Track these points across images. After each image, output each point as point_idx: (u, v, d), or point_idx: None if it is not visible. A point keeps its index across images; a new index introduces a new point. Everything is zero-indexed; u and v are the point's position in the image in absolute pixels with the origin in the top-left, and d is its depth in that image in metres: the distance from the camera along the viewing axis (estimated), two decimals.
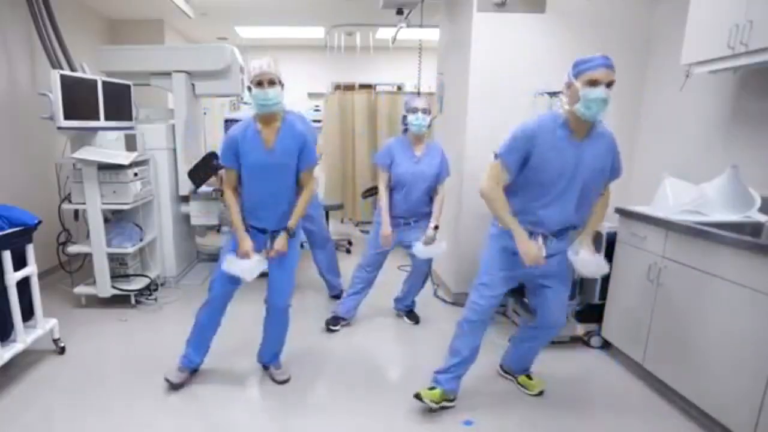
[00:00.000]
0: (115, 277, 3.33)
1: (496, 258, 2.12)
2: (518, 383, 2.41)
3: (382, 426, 2.15)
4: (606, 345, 2.78)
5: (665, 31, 3.07)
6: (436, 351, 2.81)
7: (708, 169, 2.58)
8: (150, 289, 3.44)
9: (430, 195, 2.94)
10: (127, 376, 2.50)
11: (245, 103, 4.94)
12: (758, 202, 2.31)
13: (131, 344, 2.87)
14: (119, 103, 3.40)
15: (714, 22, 2.26)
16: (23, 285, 2.44)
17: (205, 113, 4.90)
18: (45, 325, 2.60)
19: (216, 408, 2.26)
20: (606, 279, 2.67)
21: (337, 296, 3.57)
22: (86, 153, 3.03)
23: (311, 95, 6.73)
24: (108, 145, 3.17)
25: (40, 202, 3.44)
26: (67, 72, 3.23)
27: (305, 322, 3.18)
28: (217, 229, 4.13)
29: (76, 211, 3.40)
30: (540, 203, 1.98)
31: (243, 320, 2.82)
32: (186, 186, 3.68)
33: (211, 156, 3.35)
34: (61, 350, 2.68)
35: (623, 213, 2.55)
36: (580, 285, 2.78)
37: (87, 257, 3.38)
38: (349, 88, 6.03)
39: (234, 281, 2.30)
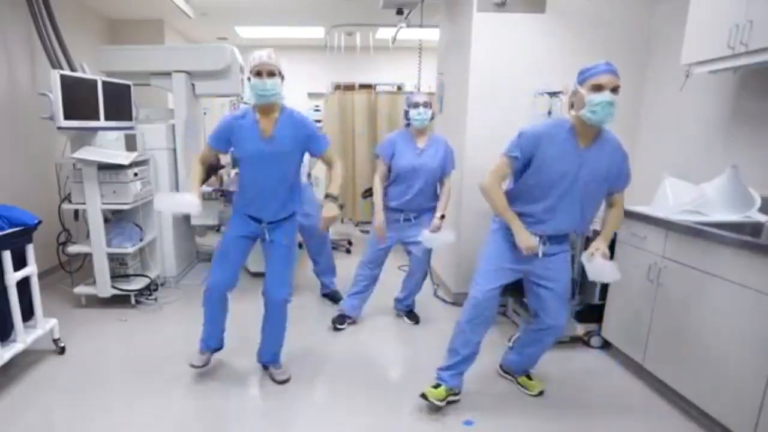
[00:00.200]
0: (115, 277, 3.33)
1: (495, 252, 2.13)
2: (518, 383, 2.41)
3: (383, 426, 2.15)
4: (606, 345, 2.78)
5: (665, 31, 3.07)
6: (436, 351, 2.81)
7: (708, 169, 2.58)
8: (150, 289, 3.44)
9: (433, 190, 2.94)
10: (127, 376, 2.50)
11: (245, 103, 4.94)
12: (758, 202, 2.31)
13: (131, 344, 2.87)
14: (119, 103, 3.40)
15: (714, 22, 2.26)
16: (23, 285, 2.44)
17: (205, 113, 4.90)
18: (45, 325, 2.60)
19: (216, 408, 2.26)
20: None
21: (326, 295, 3.58)
22: (86, 153, 3.03)
23: (311, 95, 6.73)
24: (108, 145, 3.17)
25: (40, 202, 3.44)
26: (67, 72, 3.23)
27: (305, 322, 3.18)
28: (216, 229, 4.13)
29: (76, 211, 3.40)
30: (541, 207, 2.00)
31: (243, 320, 2.82)
32: (186, 186, 3.68)
33: None
34: (61, 350, 2.68)
35: (623, 213, 2.55)
36: (581, 285, 2.78)
37: (87, 257, 3.38)
38: (349, 88, 6.03)
39: (227, 277, 2.32)
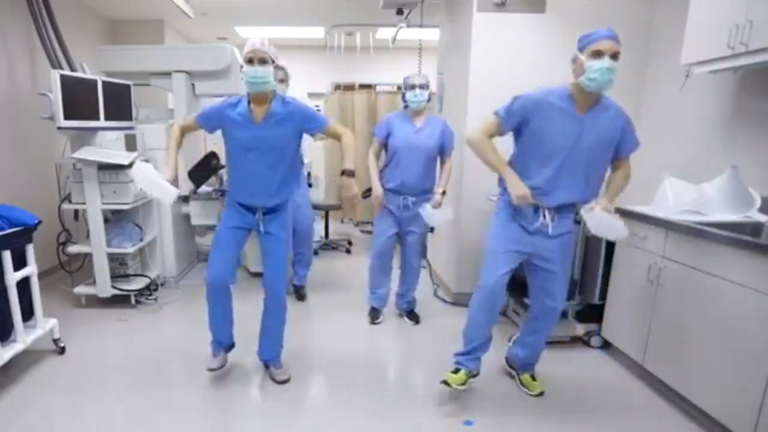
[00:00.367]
0: (115, 277, 3.33)
1: (501, 233, 2.12)
2: (520, 382, 2.41)
3: (383, 426, 2.15)
4: (606, 345, 2.78)
5: (665, 31, 3.07)
6: (437, 351, 2.82)
7: (708, 169, 2.58)
8: (150, 289, 3.44)
9: (430, 170, 2.95)
10: (127, 376, 2.50)
11: None
12: (758, 202, 2.31)
13: (131, 344, 2.87)
14: (119, 103, 3.40)
15: (714, 22, 2.26)
16: (23, 285, 2.44)
17: None
18: (45, 325, 2.60)
19: (216, 408, 2.26)
20: (606, 279, 2.67)
21: (294, 288, 3.58)
22: (86, 153, 3.03)
23: (311, 95, 6.72)
24: (108, 145, 3.17)
25: (40, 202, 3.44)
26: (67, 72, 3.23)
27: (305, 321, 3.18)
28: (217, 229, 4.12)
29: (76, 211, 3.40)
30: (544, 177, 1.99)
31: (243, 320, 2.81)
32: (186, 186, 3.68)
33: (211, 156, 3.35)
34: (61, 350, 2.68)
35: (623, 213, 2.54)
36: (581, 285, 2.78)
37: (87, 257, 3.38)
38: (349, 88, 6.03)
39: (226, 270, 2.31)
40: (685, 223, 2.16)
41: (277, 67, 3.20)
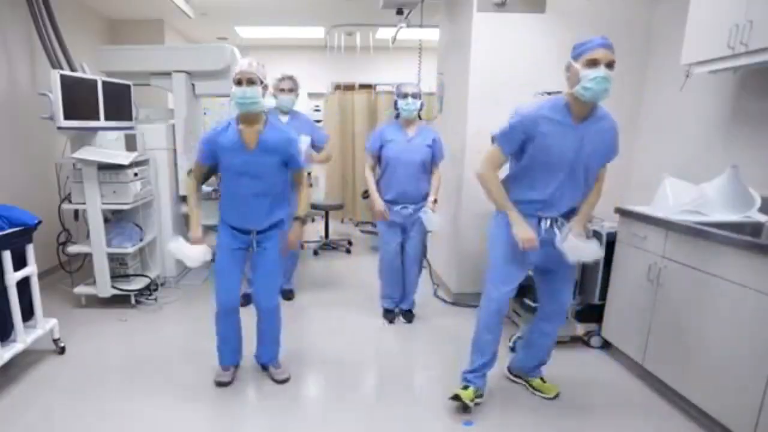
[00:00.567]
0: (115, 277, 3.33)
1: (506, 249, 2.08)
2: (532, 387, 2.38)
3: (382, 426, 2.15)
4: (606, 345, 2.78)
5: (665, 31, 3.07)
6: (436, 351, 2.82)
7: (708, 169, 2.58)
8: (150, 289, 3.44)
9: (425, 178, 2.98)
10: (127, 376, 2.50)
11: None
12: (758, 202, 2.31)
13: (131, 344, 2.87)
14: (119, 103, 3.40)
15: (714, 22, 2.26)
16: (23, 285, 2.45)
17: (205, 113, 4.90)
18: (45, 325, 2.60)
19: (216, 408, 2.26)
20: (606, 279, 2.67)
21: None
22: (86, 153, 3.03)
23: (311, 95, 6.73)
24: (108, 145, 3.17)
25: (40, 202, 3.44)
26: (67, 72, 3.23)
27: (305, 321, 3.18)
28: (216, 229, 4.12)
29: (76, 211, 3.40)
30: (549, 191, 1.98)
31: (242, 319, 2.82)
32: (186, 186, 3.67)
33: None
34: (61, 350, 2.68)
35: (623, 213, 2.55)
36: (581, 285, 2.78)
37: (87, 257, 3.38)
38: (349, 88, 6.02)
39: (234, 294, 2.33)
40: (685, 223, 2.16)
41: (287, 78, 3.23)
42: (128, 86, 3.50)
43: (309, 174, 3.92)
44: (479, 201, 3.22)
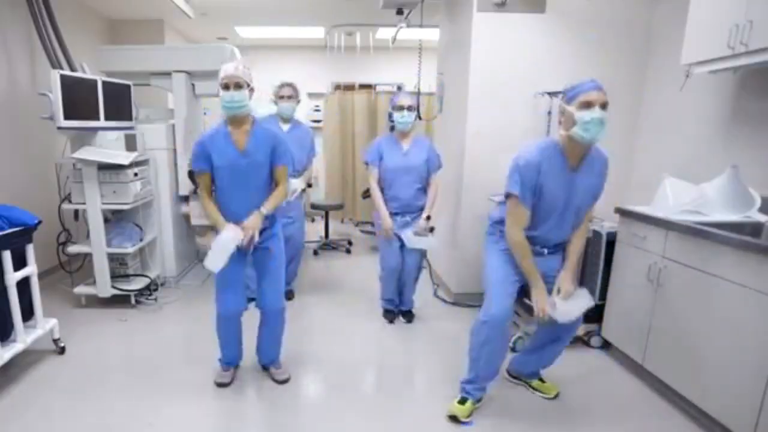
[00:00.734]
0: (115, 277, 3.33)
1: (501, 264, 2.10)
2: (532, 388, 2.38)
3: (383, 426, 2.15)
4: (606, 345, 2.78)
5: (665, 31, 3.07)
6: (436, 351, 2.82)
7: (708, 169, 2.58)
8: (150, 289, 3.44)
9: (423, 188, 2.99)
10: (127, 376, 2.50)
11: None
12: (758, 202, 2.31)
13: (131, 344, 2.87)
14: (119, 103, 3.40)
15: (714, 22, 2.26)
16: (23, 285, 2.45)
17: (205, 113, 4.90)
18: (45, 325, 2.60)
19: (216, 407, 2.26)
20: (606, 279, 2.67)
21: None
22: (86, 153, 3.03)
23: (311, 95, 6.72)
24: (108, 145, 3.17)
25: (40, 202, 3.44)
26: (67, 72, 3.23)
27: (305, 322, 3.18)
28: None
29: (76, 211, 3.40)
30: (542, 230, 2.02)
31: (242, 319, 2.82)
32: (186, 186, 3.68)
33: None
34: (61, 350, 2.68)
35: (623, 213, 2.55)
36: (581, 285, 2.77)
37: (87, 257, 3.38)
38: (349, 88, 6.03)
39: (239, 297, 2.34)
40: (685, 223, 2.16)
41: (287, 85, 3.23)
42: (128, 86, 3.50)
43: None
44: (479, 201, 3.24)
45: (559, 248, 2.14)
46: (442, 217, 3.77)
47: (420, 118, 4.45)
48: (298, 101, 3.28)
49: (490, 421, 2.16)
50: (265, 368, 2.53)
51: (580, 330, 2.82)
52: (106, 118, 3.23)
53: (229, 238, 2.14)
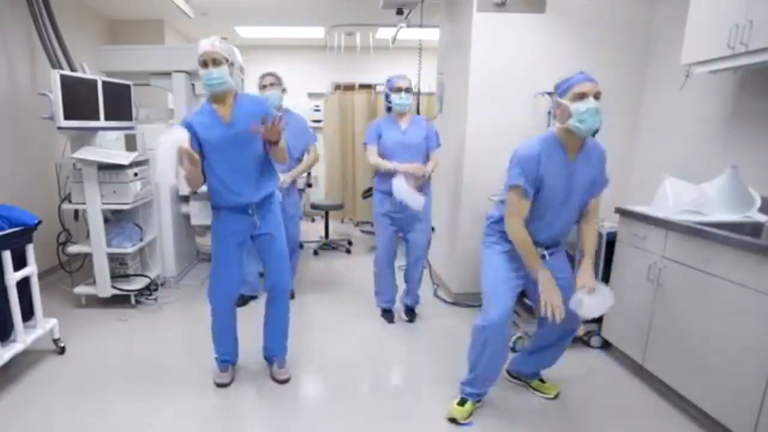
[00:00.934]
0: (115, 277, 3.33)
1: (500, 266, 2.07)
2: (532, 388, 2.38)
3: (383, 425, 2.15)
4: (606, 345, 2.78)
5: (665, 31, 3.07)
6: (436, 351, 2.82)
7: (708, 169, 2.58)
8: (150, 289, 3.45)
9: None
10: (127, 376, 2.50)
11: None
12: (758, 202, 2.31)
13: (131, 344, 2.87)
14: (119, 103, 3.40)
15: (714, 22, 2.26)
16: (23, 285, 2.45)
17: None
18: (45, 325, 2.60)
19: (216, 407, 2.26)
20: (606, 279, 2.67)
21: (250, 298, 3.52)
22: (86, 153, 3.03)
23: (311, 95, 6.73)
24: (108, 145, 3.17)
25: (40, 202, 3.44)
26: (67, 72, 3.23)
27: (305, 322, 3.18)
28: None
29: (76, 211, 3.41)
30: (542, 223, 2.01)
31: (243, 320, 2.81)
32: (186, 186, 3.67)
33: None
34: (61, 350, 2.68)
35: (623, 213, 2.55)
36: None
37: (87, 257, 3.38)
38: (349, 88, 6.02)
39: (233, 287, 2.32)
40: (685, 223, 2.16)
41: (268, 74, 3.21)
42: (128, 86, 3.50)
43: (309, 174, 3.91)
44: (479, 201, 3.24)
45: (559, 247, 2.13)
46: (442, 217, 3.77)
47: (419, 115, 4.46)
48: (284, 89, 3.26)
49: (491, 421, 2.16)
50: (269, 362, 2.51)
51: (580, 330, 2.82)
52: (106, 118, 3.23)
53: (172, 138, 2.00)
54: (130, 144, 3.23)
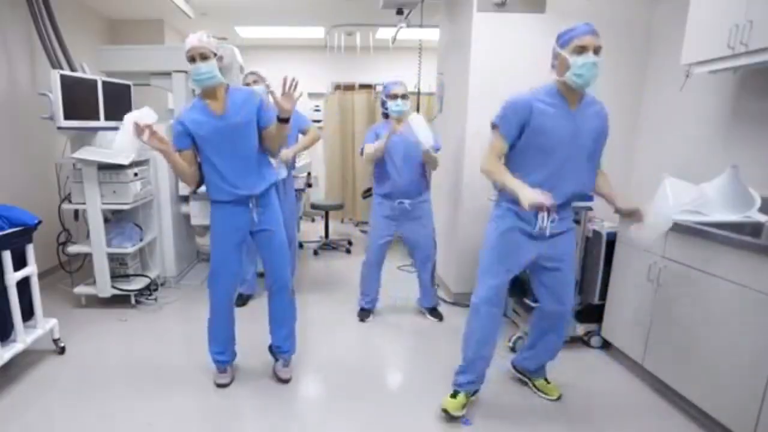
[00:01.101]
0: (115, 277, 3.33)
1: (500, 247, 2.05)
2: (535, 388, 2.37)
3: (383, 425, 2.15)
4: (606, 345, 2.78)
5: (665, 31, 3.07)
6: (436, 351, 2.82)
7: (708, 169, 2.58)
8: (150, 289, 3.45)
9: (418, 169, 2.99)
10: (127, 376, 2.50)
11: None
12: (758, 202, 2.31)
13: (131, 344, 2.87)
14: (119, 103, 3.40)
15: (714, 22, 2.26)
16: (23, 285, 2.45)
17: None
18: (45, 325, 2.60)
19: (216, 407, 2.26)
20: (606, 279, 2.67)
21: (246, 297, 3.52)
22: (86, 153, 3.03)
23: (311, 95, 6.72)
24: (108, 145, 3.17)
25: (40, 202, 3.44)
26: (67, 72, 3.23)
27: (304, 321, 3.18)
28: None
29: (76, 211, 3.41)
30: (545, 173, 1.94)
31: (243, 321, 2.81)
32: (186, 186, 3.67)
33: None
34: (61, 350, 2.68)
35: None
36: (581, 285, 2.78)
37: (87, 257, 3.38)
38: (349, 88, 6.02)
39: (232, 284, 2.32)
40: (685, 223, 2.16)
41: (251, 73, 3.22)
42: (128, 86, 3.50)
43: (309, 174, 3.91)
44: (478, 201, 3.24)
45: (567, 218, 2.05)
46: (442, 217, 3.77)
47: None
48: (267, 85, 3.24)
49: (489, 420, 2.17)
50: (275, 358, 2.50)
51: (580, 330, 2.83)
52: (106, 118, 3.23)
53: (134, 115, 2.00)
54: None
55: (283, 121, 2.13)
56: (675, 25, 2.77)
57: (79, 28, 4.51)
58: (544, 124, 1.90)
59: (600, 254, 2.67)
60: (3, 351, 2.30)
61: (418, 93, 4.26)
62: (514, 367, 2.48)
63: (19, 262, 2.42)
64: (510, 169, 1.97)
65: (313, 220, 6.36)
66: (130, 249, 3.26)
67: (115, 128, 3.27)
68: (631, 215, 2.03)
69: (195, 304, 3.41)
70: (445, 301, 3.57)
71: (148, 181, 3.45)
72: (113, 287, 3.27)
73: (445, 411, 2.13)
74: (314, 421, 2.18)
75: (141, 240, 3.40)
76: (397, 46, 5.32)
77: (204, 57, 2.06)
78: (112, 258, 3.33)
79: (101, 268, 3.21)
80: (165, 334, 3.00)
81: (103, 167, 3.08)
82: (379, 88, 5.66)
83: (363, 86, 6.07)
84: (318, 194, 6.06)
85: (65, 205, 3.27)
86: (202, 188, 2.31)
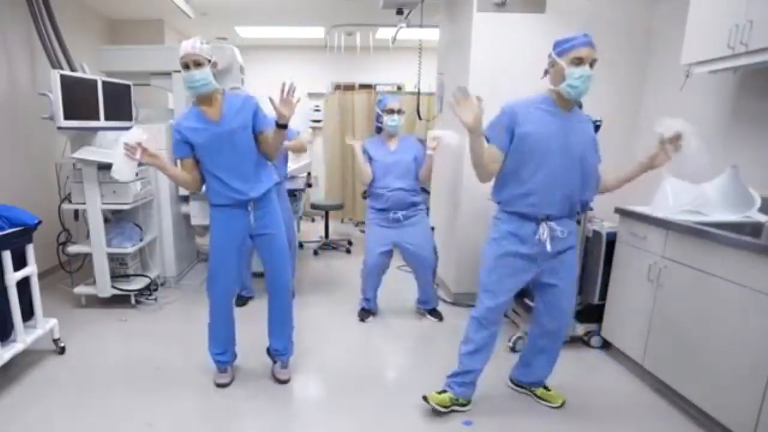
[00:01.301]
0: (115, 277, 3.33)
1: (498, 268, 2.04)
2: (537, 396, 2.34)
3: (382, 425, 2.15)
4: (606, 345, 2.78)
5: (665, 31, 3.07)
6: (436, 351, 2.82)
7: (708, 169, 2.57)
8: (150, 289, 3.45)
9: (412, 183, 3.01)
10: (127, 376, 2.49)
11: None
12: (758, 202, 2.31)
13: (131, 344, 2.87)
14: (119, 103, 3.40)
15: (714, 22, 2.26)
16: (23, 285, 2.45)
17: None
18: (45, 325, 2.60)
19: (216, 407, 2.26)
20: (606, 279, 2.67)
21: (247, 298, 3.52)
22: (86, 153, 3.03)
23: (311, 95, 6.72)
24: (108, 145, 3.17)
25: (40, 202, 3.44)
26: (67, 72, 3.23)
27: (303, 321, 3.18)
28: None
29: (76, 211, 3.40)
30: (539, 176, 1.92)
31: (243, 321, 2.81)
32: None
33: None
34: (61, 350, 2.68)
35: (623, 213, 2.55)
36: (581, 285, 2.78)
37: (87, 257, 3.38)
38: (349, 88, 6.03)
39: (232, 286, 2.33)
40: (685, 223, 2.16)
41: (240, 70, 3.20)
42: (128, 86, 3.50)
43: (309, 174, 3.91)
44: (478, 202, 3.24)
45: (570, 227, 2.01)
46: (441, 218, 3.77)
47: (420, 118, 4.46)
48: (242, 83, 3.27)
49: (489, 420, 2.17)
50: (273, 360, 2.50)
51: (580, 330, 2.83)
52: (106, 118, 3.23)
53: (125, 138, 1.99)
54: None
55: (282, 127, 2.14)
56: (675, 25, 2.77)
57: (79, 28, 4.51)
58: (532, 130, 1.90)
59: (600, 254, 2.67)
60: (3, 351, 2.30)
61: (418, 93, 4.26)
62: (512, 382, 2.43)
63: (19, 262, 2.42)
64: (506, 178, 2.01)
65: (313, 220, 6.36)
66: (130, 249, 3.26)
67: (115, 128, 3.29)
68: (672, 141, 1.95)
69: (195, 304, 3.41)
70: (445, 301, 3.57)
71: (148, 181, 3.45)
72: (113, 287, 3.27)
73: (425, 398, 2.15)
74: (314, 421, 2.18)
75: (141, 240, 3.40)
76: (397, 46, 5.32)
77: (198, 64, 2.05)
78: (112, 258, 3.33)
79: (101, 268, 3.21)
80: (165, 334, 3.01)
81: (103, 167, 3.08)
82: (380, 88, 5.68)
83: (363, 86, 6.08)
84: (318, 194, 6.07)
85: (65, 205, 3.27)
86: (203, 188, 2.31)
